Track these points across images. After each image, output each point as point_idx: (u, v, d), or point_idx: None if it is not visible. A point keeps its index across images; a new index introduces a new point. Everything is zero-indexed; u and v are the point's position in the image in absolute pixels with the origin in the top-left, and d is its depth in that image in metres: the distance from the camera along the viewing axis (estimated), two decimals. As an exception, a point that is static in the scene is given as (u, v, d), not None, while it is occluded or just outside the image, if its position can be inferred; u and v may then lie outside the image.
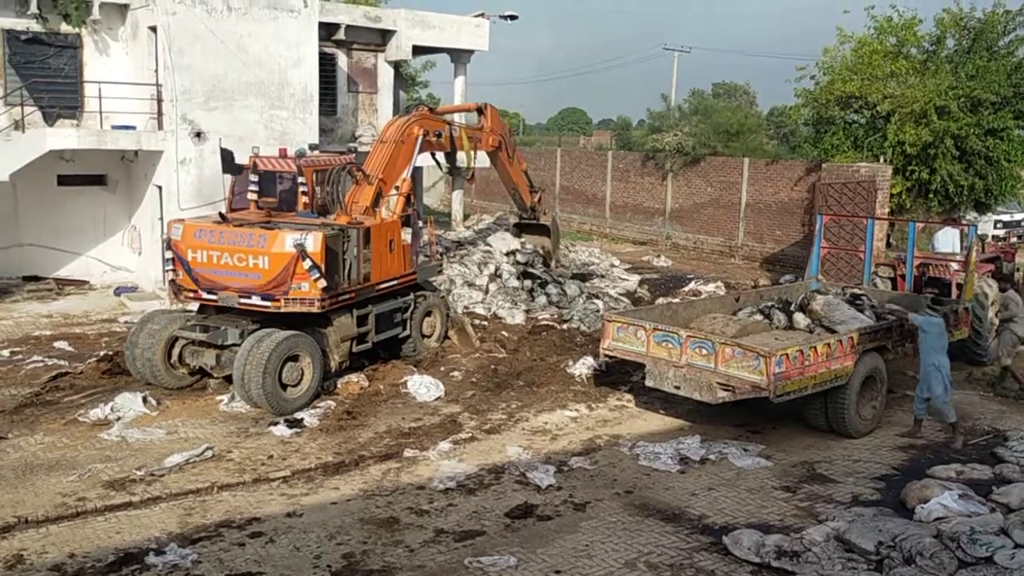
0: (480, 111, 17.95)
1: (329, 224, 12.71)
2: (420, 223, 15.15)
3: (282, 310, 12.08)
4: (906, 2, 25.39)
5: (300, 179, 13.03)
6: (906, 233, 16.86)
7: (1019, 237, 26.56)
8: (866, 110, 23.04)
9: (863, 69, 22.44)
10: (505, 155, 18.38)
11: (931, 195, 22.25)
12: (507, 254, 19.83)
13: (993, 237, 26.21)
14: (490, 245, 20.26)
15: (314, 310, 12.11)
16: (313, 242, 11.86)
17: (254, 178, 13.38)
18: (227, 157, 13.52)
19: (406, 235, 14.18)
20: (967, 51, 22.42)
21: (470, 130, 17.28)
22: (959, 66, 22.15)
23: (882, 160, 21.91)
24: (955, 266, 15.56)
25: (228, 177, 14.05)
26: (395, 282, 13.94)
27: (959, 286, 14.76)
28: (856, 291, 14.30)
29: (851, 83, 22.39)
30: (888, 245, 21.99)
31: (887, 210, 21.46)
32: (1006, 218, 29.28)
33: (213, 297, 12.47)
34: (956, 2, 22.50)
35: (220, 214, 13.17)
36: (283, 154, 13.67)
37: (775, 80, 42.46)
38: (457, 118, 18.94)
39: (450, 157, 17.24)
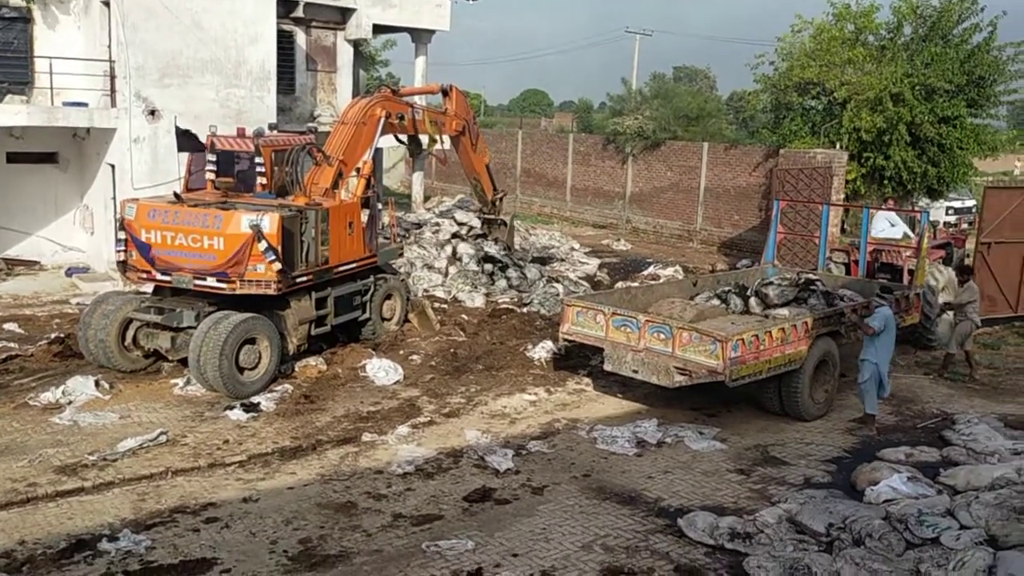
0: (445, 92, 17.67)
1: (287, 205, 12.57)
2: (380, 205, 15.03)
3: (238, 292, 11.93)
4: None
5: (258, 159, 12.85)
6: (860, 219, 17.12)
7: (969, 223, 27.10)
8: (823, 96, 23.30)
9: (821, 56, 22.68)
10: (468, 141, 18.07)
11: (885, 181, 22.61)
12: (459, 223, 19.85)
13: (944, 223, 26.72)
14: (446, 220, 20.27)
15: (270, 292, 11.98)
16: (269, 223, 11.71)
17: (211, 157, 13.17)
18: (182, 135, 13.31)
19: (366, 217, 14.08)
20: (923, 39, 22.73)
21: (433, 113, 17.10)
22: (915, 54, 22.46)
23: (838, 146, 22.20)
24: (907, 252, 15.86)
25: (183, 156, 13.84)
26: (354, 265, 13.83)
27: (911, 272, 15.06)
28: (811, 276, 14.50)
29: (809, 69, 22.63)
30: (843, 231, 22.33)
31: (842, 196, 21.77)
32: (957, 204, 29.85)
33: (167, 278, 12.27)
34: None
35: (175, 194, 12.97)
36: (241, 133, 13.47)
37: (735, 64, 42.80)
38: (420, 100, 18.82)
39: (413, 139, 17.04)
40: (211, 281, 11.96)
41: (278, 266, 11.74)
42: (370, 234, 14.22)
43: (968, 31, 22.32)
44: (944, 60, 21.63)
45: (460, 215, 20.46)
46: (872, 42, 23.35)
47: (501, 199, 19.96)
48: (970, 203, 29.81)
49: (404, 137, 16.91)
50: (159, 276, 12.35)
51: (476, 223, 20.02)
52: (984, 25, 22.11)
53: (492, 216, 19.97)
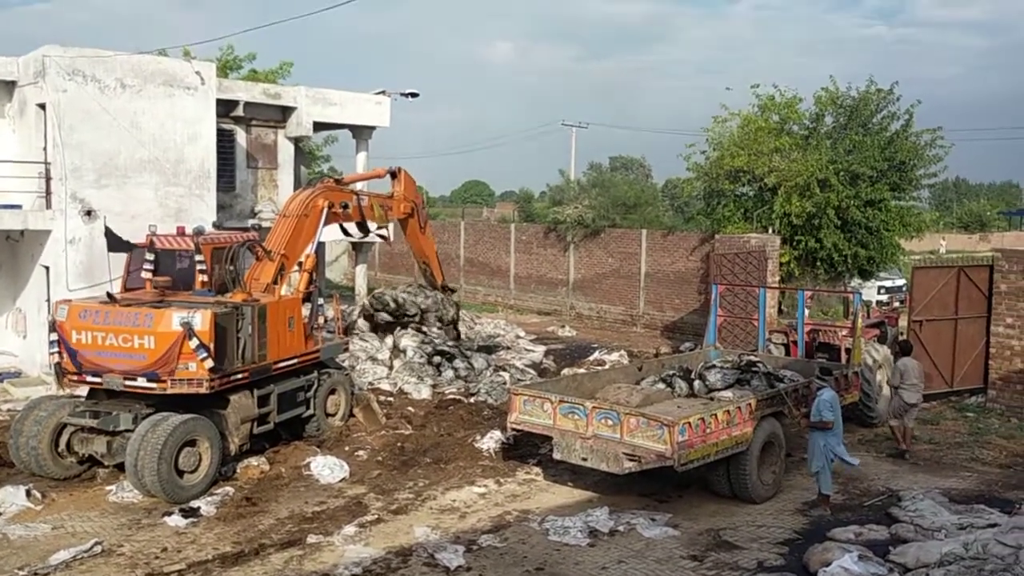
0: (393, 175, 17.65)
1: (223, 302, 12.43)
2: (321, 300, 14.88)
3: (168, 392, 11.63)
4: (788, 80, 26.93)
5: (199, 257, 12.78)
6: (796, 300, 17.56)
7: (901, 302, 27.93)
8: (754, 183, 24.10)
9: (749, 144, 23.55)
10: (416, 224, 17.97)
11: (818, 263, 23.29)
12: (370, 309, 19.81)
13: (877, 302, 27.49)
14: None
15: (202, 391, 11.68)
16: (201, 320, 11.53)
17: (150, 256, 13.07)
18: (111, 235, 13.31)
19: (308, 311, 13.97)
20: (844, 127, 23.81)
21: (380, 198, 17.08)
22: (837, 141, 23.48)
23: (771, 231, 22.87)
24: (843, 332, 16.24)
25: (117, 256, 13.71)
26: (295, 361, 13.66)
27: (848, 351, 15.40)
28: (752, 358, 14.72)
29: (739, 158, 23.44)
30: (780, 312, 22.81)
31: (777, 278, 22.33)
32: (888, 284, 30.81)
33: (98, 380, 11.98)
34: (833, 81, 23.98)
35: (108, 294, 12.76)
36: (181, 232, 13.41)
37: (668, 153, 44.18)
38: (363, 186, 18.94)
39: (361, 225, 16.63)
40: (141, 381, 11.68)
41: (210, 364, 11.50)
42: (312, 329, 14.10)
43: (886, 119, 23.47)
44: (865, 147, 22.64)
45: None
46: (796, 131, 24.37)
47: (452, 291, 19.90)
48: (900, 282, 30.77)
49: (350, 227, 16.67)
50: (89, 378, 12.07)
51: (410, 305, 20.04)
52: (901, 113, 23.30)
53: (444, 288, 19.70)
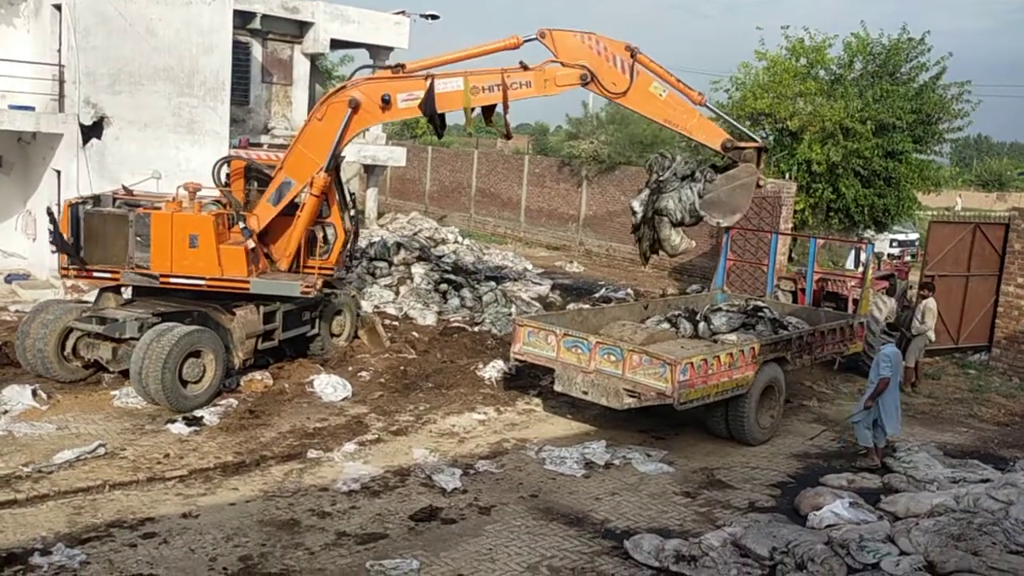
0: (543, 39, 12.74)
1: (131, 203, 12.67)
2: (243, 224, 12.55)
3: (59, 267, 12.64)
4: (818, 24, 26.38)
5: (225, 168, 13.20)
6: (807, 248, 17.46)
7: (912, 256, 27.78)
8: (775, 126, 23.75)
9: (774, 87, 23.14)
10: (603, 88, 12.85)
11: (832, 213, 23.09)
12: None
13: (888, 255, 27.34)
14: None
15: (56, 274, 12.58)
16: (60, 210, 12.15)
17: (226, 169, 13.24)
18: None
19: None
20: (872, 75, 23.35)
21: (491, 74, 12.60)
22: (865, 90, 23.05)
23: (787, 177, 22.62)
24: (852, 282, 16.19)
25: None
26: (203, 283, 12.37)
27: (855, 301, 15.36)
28: (759, 303, 14.70)
29: (762, 100, 23.06)
30: (790, 259, 22.72)
31: (790, 226, 22.17)
32: (901, 237, 30.59)
33: None
34: (864, 27, 23.45)
35: (123, 186, 13.25)
36: (244, 144, 13.76)
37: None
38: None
39: (442, 117, 13.01)
40: None
41: (53, 248, 12.23)
42: (250, 256, 12.47)
43: (915, 69, 23.00)
44: (894, 97, 22.23)
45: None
46: (823, 76, 23.92)
47: (760, 151, 13.39)
48: (913, 236, 30.56)
49: (436, 120, 12.91)
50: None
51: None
52: (930, 64, 22.82)
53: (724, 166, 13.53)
